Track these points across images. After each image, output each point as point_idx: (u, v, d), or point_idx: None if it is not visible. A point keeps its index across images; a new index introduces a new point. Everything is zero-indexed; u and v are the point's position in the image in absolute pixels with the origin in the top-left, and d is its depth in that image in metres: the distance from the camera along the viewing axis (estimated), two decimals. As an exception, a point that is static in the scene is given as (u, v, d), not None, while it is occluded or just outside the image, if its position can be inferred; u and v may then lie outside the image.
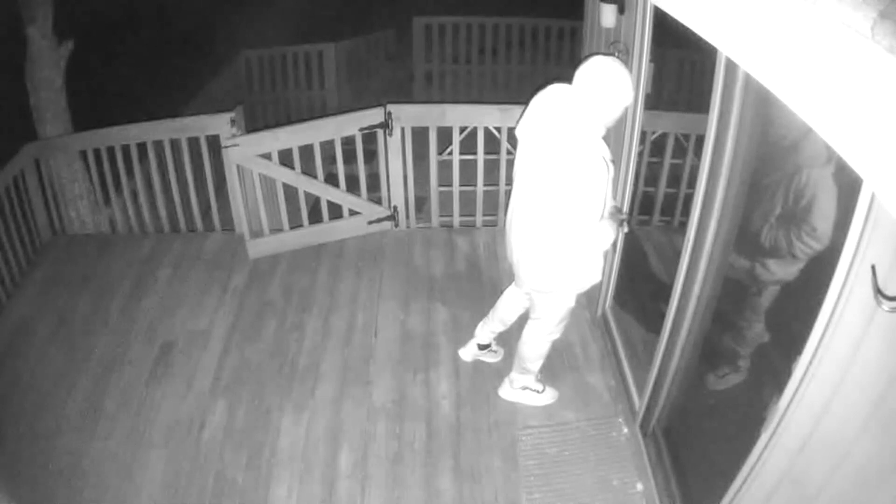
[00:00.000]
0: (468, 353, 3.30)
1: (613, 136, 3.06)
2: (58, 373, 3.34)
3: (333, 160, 4.10)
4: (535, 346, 2.90)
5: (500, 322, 3.15)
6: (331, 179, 4.21)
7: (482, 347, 3.27)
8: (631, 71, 2.74)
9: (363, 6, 9.22)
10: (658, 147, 4.00)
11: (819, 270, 1.47)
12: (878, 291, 1.24)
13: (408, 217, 4.35)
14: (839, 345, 1.43)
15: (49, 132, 4.52)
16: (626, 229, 2.53)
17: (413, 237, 4.29)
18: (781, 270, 2.34)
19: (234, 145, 3.86)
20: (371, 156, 4.17)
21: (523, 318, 2.99)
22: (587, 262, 2.55)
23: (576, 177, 2.27)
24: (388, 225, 4.33)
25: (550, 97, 2.45)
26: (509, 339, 3.22)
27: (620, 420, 3.01)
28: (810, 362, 1.52)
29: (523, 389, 3.07)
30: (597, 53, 2.36)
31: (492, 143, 4.05)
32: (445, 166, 4.15)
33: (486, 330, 3.21)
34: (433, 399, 3.14)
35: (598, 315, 3.50)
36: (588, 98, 2.28)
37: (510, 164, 2.74)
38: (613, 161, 2.36)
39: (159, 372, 3.34)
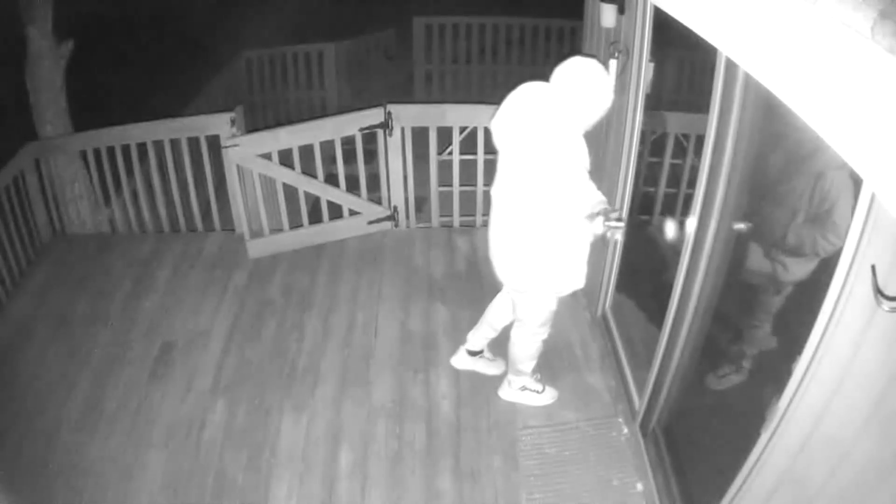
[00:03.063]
0: (459, 360, 3.25)
1: (614, 136, 3.06)
2: (58, 373, 3.34)
3: (333, 160, 4.10)
4: (522, 347, 2.89)
5: (489, 327, 3.10)
6: (331, 179, 4.21)
7: (473, 353, 3.22)
8: (631, 71, 2.75)
9: (363, 6, 9.22)
10: (658, 147, 4.00)
11: (830, 270, 1.46)
12: (878, 291, 1.24)
13: (408, 217, 4.35)
14: (839, 345, 1.43)
15: (49, 132, 4.52)
16: (617, 237, 2.30)
17: (413, 237, 4.29)
18: (800, 270, 2.33)
19: (234, 145, 3.87)
20: (371, 156, 4.17)
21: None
22: (566, 264, 2.51)
23: (547, 177, 2.26)
24: (388, 225, 4.33)
25: (525, 96, 2.41)
26: (506, 341, 3.21)
27: (620, 420, 3.01)
28: (810, 362, 1.52)
29: (522, 390, 3.07)
30: (577, 54, 2.33)
31: (492, 143, 4.02)
32: (445, 166, 4.15)
33: (479, 335, 3.17)
34: (433, 399, 3.14)
35: (598, 315, 3.50)
36: (566, 101, 2.25)
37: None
38: (591, 164, 2.32)
39: (159, 372, 3.34)
